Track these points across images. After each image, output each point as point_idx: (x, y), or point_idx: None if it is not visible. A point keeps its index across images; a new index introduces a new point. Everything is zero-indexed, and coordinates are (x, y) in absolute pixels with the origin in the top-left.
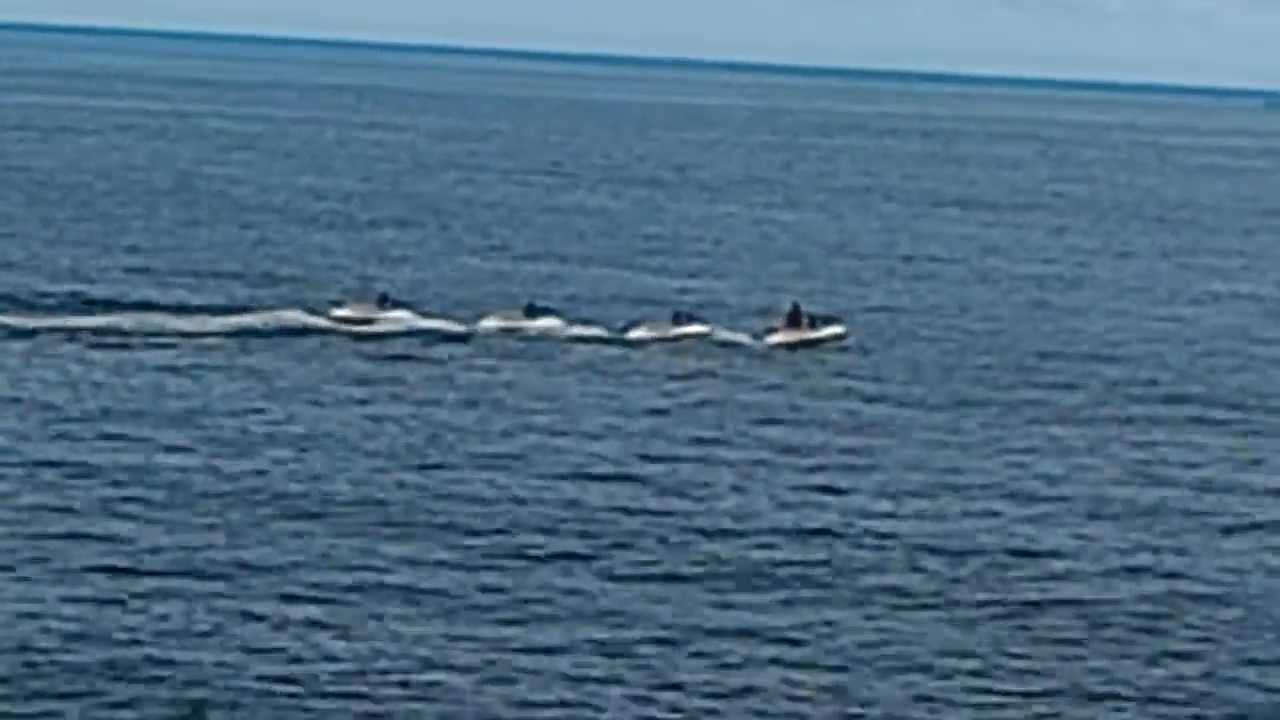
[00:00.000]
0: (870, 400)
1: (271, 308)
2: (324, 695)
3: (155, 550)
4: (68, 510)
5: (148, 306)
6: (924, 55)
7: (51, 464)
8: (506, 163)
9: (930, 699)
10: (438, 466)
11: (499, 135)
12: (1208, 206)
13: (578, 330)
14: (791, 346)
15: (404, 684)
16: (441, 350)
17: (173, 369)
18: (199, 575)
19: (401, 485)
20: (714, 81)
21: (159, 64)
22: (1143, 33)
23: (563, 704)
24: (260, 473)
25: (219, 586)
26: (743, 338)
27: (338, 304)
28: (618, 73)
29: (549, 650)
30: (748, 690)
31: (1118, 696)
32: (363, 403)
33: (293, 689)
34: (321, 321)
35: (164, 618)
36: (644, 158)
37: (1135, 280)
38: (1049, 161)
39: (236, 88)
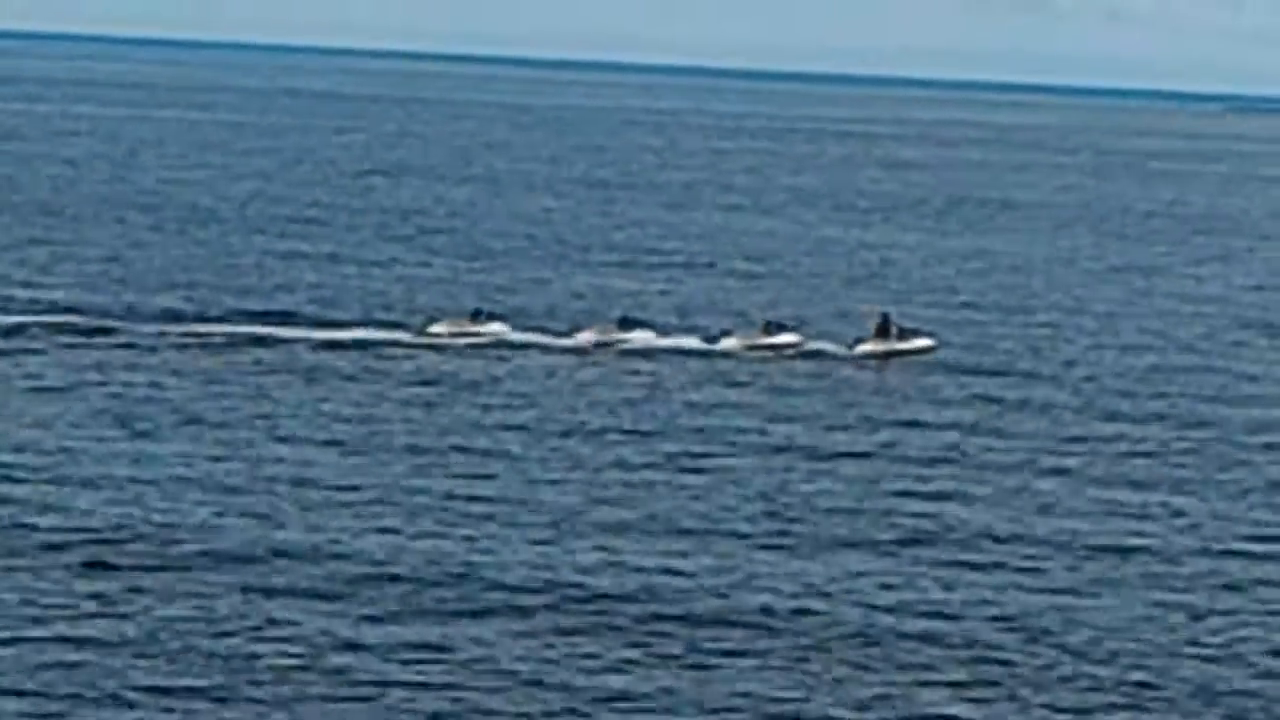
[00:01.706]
0: (955, 414)
1: (362, 324)
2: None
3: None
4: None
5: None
6: (872, 58)
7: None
8: (517, 172)
9: None
10: (541, 473)
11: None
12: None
13: (670, 341)
14: (880, 357)
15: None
16: (537, 363)
17: (267, 382)
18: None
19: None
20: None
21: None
22: (1097, 34)
23: None
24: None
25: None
26: (832, 347)
27: (433, 320)
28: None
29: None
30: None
31: None
32: (458, 413)
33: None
34: (417, 338)
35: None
36: (661, 166)
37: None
38: (1073, 170)
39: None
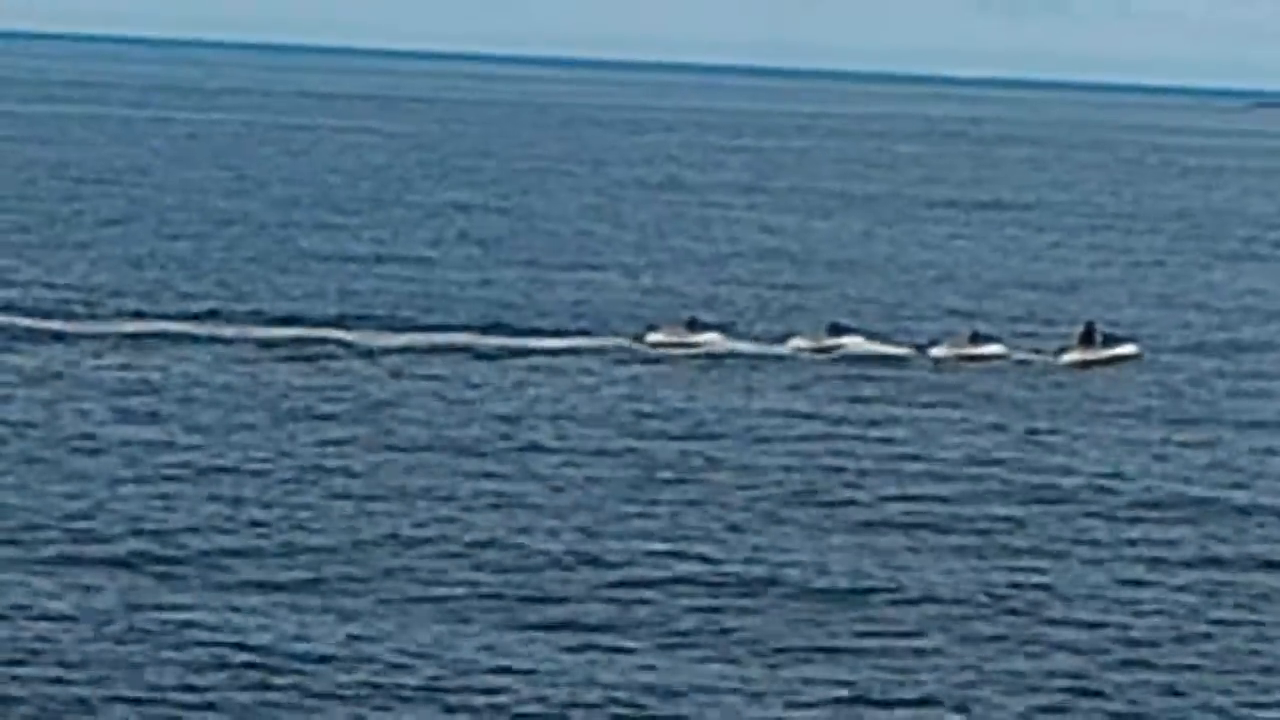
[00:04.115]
0: (1163, 420)
1: (580, 333)
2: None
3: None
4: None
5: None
6: (895, 56)
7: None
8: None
9: None
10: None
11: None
12: None
13: (880, 348)
14: (1085, 365)
15: None
16: (751, 371)
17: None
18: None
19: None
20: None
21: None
22: (1116, 31)
23: None
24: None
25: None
26: (1037, 356)
27: (651, 329)
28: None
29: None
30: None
31: None
32: (681, 421)
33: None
34: (636, 346)
35: None
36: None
37: None
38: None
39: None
